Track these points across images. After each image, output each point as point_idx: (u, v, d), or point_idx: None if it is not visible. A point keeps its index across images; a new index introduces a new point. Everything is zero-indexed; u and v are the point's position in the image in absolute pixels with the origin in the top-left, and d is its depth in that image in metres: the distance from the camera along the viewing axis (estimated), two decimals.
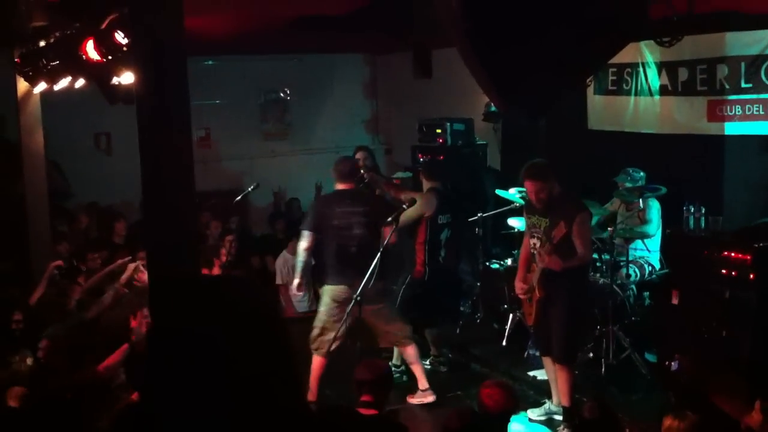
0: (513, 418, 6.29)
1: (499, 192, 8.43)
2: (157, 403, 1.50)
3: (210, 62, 11.79)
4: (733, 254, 6.04)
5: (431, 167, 7.75)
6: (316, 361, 6.66)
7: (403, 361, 7.46)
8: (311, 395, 6.46)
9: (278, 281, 9.55)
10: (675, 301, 6.43)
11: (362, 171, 7.81)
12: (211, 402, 1.47)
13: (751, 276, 5.89)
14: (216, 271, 7.40)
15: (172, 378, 1.49)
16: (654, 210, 7.53)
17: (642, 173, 7.75)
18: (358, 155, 8.42)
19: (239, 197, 7.49)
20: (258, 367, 1.51)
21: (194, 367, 1.48)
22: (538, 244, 6.12)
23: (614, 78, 8.69)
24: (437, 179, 7.55)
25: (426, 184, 7.48)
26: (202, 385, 1.47)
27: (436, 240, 7.30)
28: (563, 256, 5.91)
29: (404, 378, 7.40)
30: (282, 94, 12.77)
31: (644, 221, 7.52)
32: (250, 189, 7.57)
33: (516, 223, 8.32)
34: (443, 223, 7.34)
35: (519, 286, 6.36)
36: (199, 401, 1.47)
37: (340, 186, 6.83)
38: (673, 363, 5.16)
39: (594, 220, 8.02)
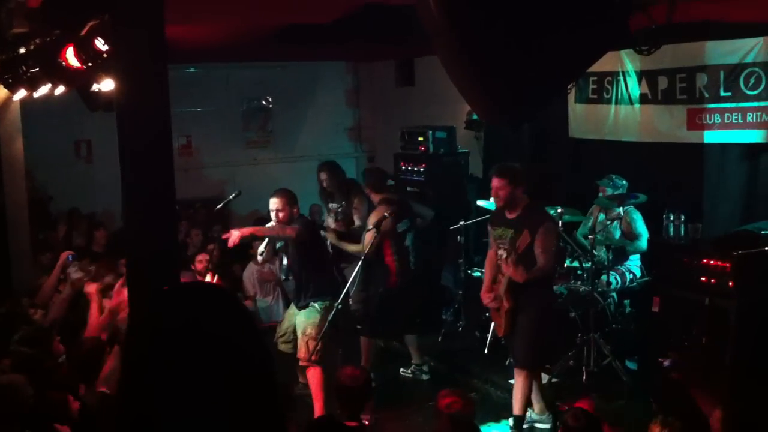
0: (494, 426, 6.33)
1: (480, 203, 8.46)
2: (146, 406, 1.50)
3: (192, 70, 11.77)
4: (712, 262, 6.09)
5: (375, 180, 7.69)
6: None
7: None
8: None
9: (249, 293, 9.41)
10: (656, 309, 6.46)
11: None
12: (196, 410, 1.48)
13: (731, 283, 5.93)
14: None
15: (162, 380, 1.49)
16: (640, 223, 7.58)
17: (624, 182, 7.80)
18: (322, 176, 8.42)
19: (220, 205, 7.44)
20: (242, 375, 1.53)
21: (180, 370, 1.48)
22: (504, 255, 6.07)
23: (595, 86, 8.75)
24: (384, 190, 7.54)
25: (375, 197, 7.48)
26: (189, 389, 1.48)
27: (402, 248, 7.31)
28: (527, 267, 5.89)
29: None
30: (264, 102, 12.75)
31: (633, 237, 7.56)
32: (231, 197, 7.50)
33: None
34: (403, 231, 7.34)
35: (486, 296, 6.31)
36: (185, 406, 1.48)
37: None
38: (666, 361, 5.15)
39: (579, 233, 8.09)
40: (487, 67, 3.63)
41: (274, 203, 6.73)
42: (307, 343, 6.64)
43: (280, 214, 6.69)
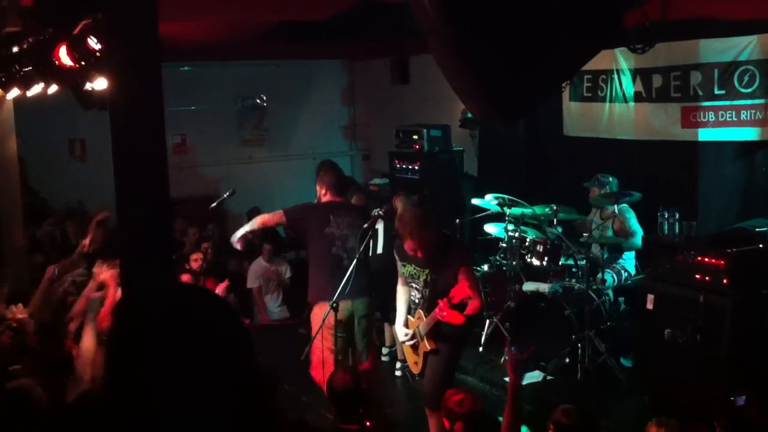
0: None
1: (475, 201, 8.46)
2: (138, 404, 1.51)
3: (187, 68, 11.75)
4: (707, 259, 6.07)
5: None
6: None
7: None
8: None
9: (249, 285, 9.62)
10: (650, 307, 6.45)
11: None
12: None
13: (725, 281, 5.92)
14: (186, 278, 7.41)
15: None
16: (633, 220, 7.58)
17: (611, 178, 7.81)
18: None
19: (215, 204, 7.45)
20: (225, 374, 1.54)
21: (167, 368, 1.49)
22: (418, 296, 5.64)
23: (589, 85, 8.76)
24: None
25: None
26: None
27: None
28: (441, 293, 5.35)
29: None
30: (259, 100, 12.74)
31: (627, 234, 7.56)
32: (225, 195, 7.50)
33: (493, 229, 8.34)
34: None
35: (403, 332, 5.80)
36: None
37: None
38: (738, 398, 4.94)
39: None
40: (480, 64, 3.63)
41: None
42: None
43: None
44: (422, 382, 5.84)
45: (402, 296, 5.88)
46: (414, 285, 5.67)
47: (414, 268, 5.63)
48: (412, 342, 5.75)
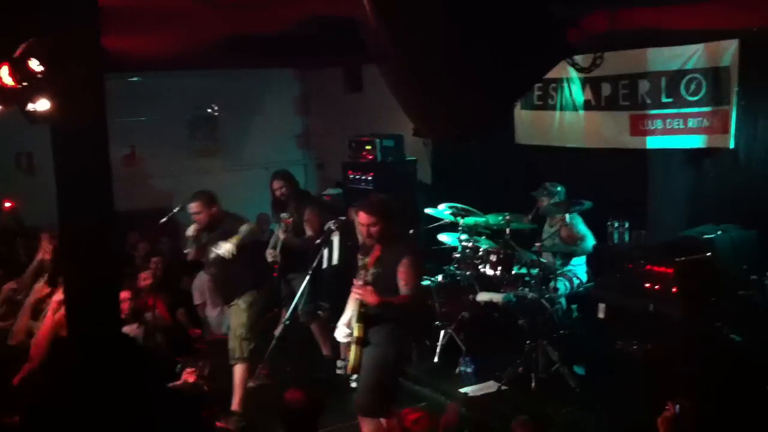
0: None
1: (428, 210, 8.45)
2: None
3: (136, 79, 11.59)
4: (656, 268, 6.16)
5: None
6: None
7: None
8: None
9: (197, 301, 9.45)
10: (602, 315, 6.52)
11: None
12: None
13: (674, 289, 6.00)
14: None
15: None
16: (581, 225, 7.63)
17: (560, 187, 7.86)
18: (276, 185, 8.32)
19: (165, 218, 7.35)
20: None
21: None
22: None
23: (540, 93, 8.83)
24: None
25: None
26: None
27: None
28: (383, 292, 5.41)
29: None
30: (210, 110, 12.61)
31: (576, 239, 7.60)
32: (176, 210, 7.41)
33: (447, 238, 8.36)
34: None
35: (340, 328, 5.92)
36: None
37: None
38: (674, 406, 4.93)
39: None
40: (434, 88, 3.63)
41: (191, 208, 6.93)
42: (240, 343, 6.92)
43: (198, 217, 6.93)
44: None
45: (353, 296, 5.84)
46: (362, 276, 5.61)
47: (366, 260, 5.64)
48: (347, 338, 5.75)
